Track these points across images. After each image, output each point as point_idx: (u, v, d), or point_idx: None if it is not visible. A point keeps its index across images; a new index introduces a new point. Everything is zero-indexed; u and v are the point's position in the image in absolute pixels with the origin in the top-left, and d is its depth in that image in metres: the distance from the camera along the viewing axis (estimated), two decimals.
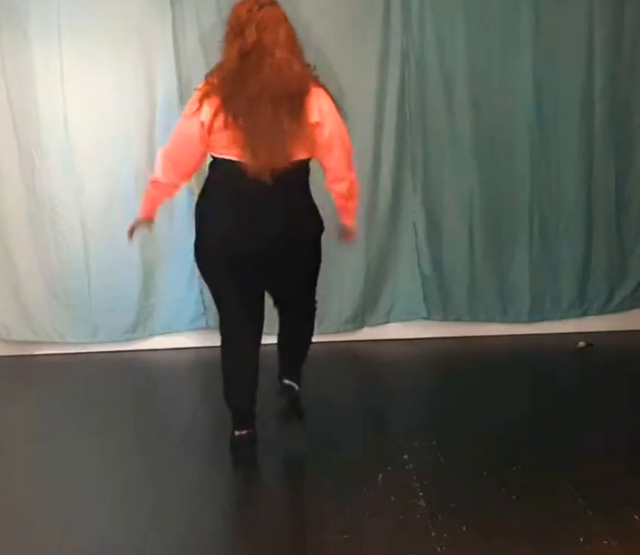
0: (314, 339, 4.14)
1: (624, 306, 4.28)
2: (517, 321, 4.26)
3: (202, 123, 2.65)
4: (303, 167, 2.72)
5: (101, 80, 3.90)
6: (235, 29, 2.62)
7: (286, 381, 3.14)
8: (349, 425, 3.27)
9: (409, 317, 4.23)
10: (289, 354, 3.17)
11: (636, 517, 2.45)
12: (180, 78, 3.91)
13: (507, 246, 4.17)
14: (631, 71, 4.00)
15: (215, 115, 2.62)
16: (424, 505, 2.57)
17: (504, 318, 4.26)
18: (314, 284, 3.04)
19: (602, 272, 4.22)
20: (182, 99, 3.93)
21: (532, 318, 4.26)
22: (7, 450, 3.20)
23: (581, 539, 2.34)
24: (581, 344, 4.09)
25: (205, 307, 4.19)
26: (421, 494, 2.64)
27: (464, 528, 2.42)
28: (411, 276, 4.19)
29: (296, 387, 3.15)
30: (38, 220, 4.05)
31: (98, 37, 3.84)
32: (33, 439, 3.27)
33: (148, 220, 3.01)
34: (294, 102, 2.59)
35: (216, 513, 2.60)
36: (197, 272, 4.08)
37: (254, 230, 2.73)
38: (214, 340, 4.17)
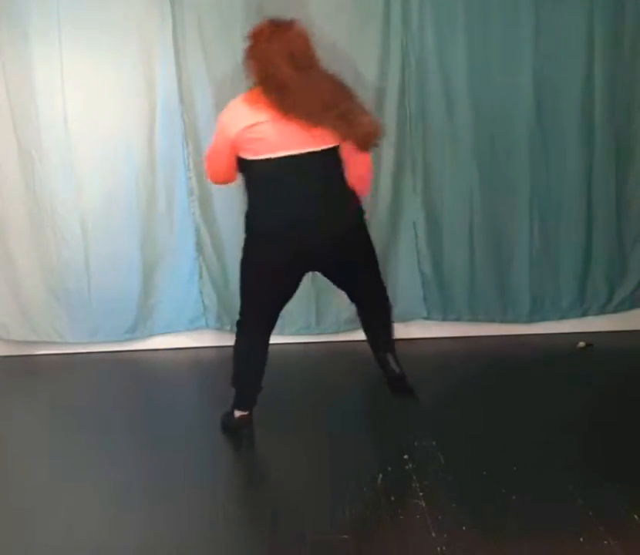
0: (318, 339, 4.19)
1: (624, 306, 4.27)
2: (516, 321, 4.26)
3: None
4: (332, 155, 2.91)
5: (101, 80, 3.89)
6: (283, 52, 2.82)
7: (389, 369, 3.24)
8: (349, 425, 3.27)
9: (409, 317, 4.23)
10: (380, 340, 3.25)
11: (636, 517, 2.45)
12: (180, 78, 3.91)
13: (507, 246, 4.16)
14: (631, 71, 4.00)
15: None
16: (424, 505, 2.57)
17: (504, 318, 4.26)
18: (378, 269, 3.19)
19: (602, 272, 4.22)
20: (182, 99, 3.94)
21: (532, 318, 4.25)
22: (6, 450, 3.20)
23: (581, 539, 2.34)
24: (581, 344, 4.09)
25: (205, 307, 4.19)
26: (421, 494, 2.64)
27: (464, 528, 2.42)
28: (411, 276, 4.19)
29: (397, 370, 3.24)
30: (38, 220, 4.04)
31: (98, 37, 3.83)
32: (33, 439, 3.27)
33: None
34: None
35: (216, 513, 2.60)
36: (197, 272, 4.14)
37: (301, 218, 2.90)
38: (214, 340, 4.22)
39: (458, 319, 4.26)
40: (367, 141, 2.87)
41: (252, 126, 2.81)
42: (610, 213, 4.15)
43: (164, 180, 4.03)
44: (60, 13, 3.79)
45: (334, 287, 3.32)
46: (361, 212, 3.07)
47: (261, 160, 2.86)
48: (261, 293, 3.07)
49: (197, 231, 4.09)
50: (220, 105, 3.89)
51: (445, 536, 2.38)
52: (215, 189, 4.00)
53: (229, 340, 4.16)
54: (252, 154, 2.87)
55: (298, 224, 2.89)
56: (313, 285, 3.98)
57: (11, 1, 3.79)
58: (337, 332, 4.16)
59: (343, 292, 3.61)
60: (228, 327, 4.19)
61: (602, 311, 4.27)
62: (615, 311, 4.28)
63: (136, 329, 4.21)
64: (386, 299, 3.26)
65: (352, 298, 3.26)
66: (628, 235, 4.20)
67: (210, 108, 3.92)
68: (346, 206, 2.99)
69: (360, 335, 4.15)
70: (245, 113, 2.85)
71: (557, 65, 3.94)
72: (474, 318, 4.25)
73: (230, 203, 4.03)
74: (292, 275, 3.06)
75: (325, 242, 2.92)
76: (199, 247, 4.12)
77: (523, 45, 3.91)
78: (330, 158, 2.90)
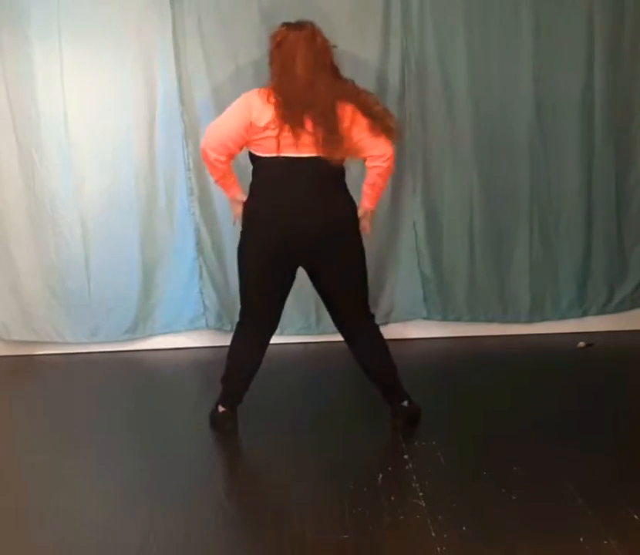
0: (318, 339, 4.19)
1: (624, 306, 4.28)
2: (517, 321, 4.26)
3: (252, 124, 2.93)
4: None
5: (101, 80, 3.90)
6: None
7: (397, 406, 3.19)
8: (349, 425, 3.27)
9: (409, 317, 4.23)
10: (380, 375, 3.17)
11: (636, 517, 2.45)
12: (180, 78, 3.91)
13: (507, 246, 4.17)
14: (631, 71, 4.00)
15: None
16: (424, 505, 2.57)
17: (504, 318, 4.26)
18: (365, 281, 3.11)
19: (602, 272, 4.22)
20: (182, 99, 3.93)
21: (532, 318, 4.25)
22: (6, 450, 3.20)
23: (581, 539, 2.34)
24: (581, 344, 4.09)
25: (205, 307, 4.19)
26: (421, 494, 2.64)
27: (464, 528, 2.42)
28: (411, 276, 4.19)
29: (407, 404, 3.18)
30: (38, 219, 4.04)
31: (98, 37, 3.83)
32: (32, 439, 3.27)
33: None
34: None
35: (216, 513, 2.60)
36: (197, 272, 4.13)
37: (296, 216, 2.94)
38: (214, 340, 4.22)
39: (458, 319, 4.26)
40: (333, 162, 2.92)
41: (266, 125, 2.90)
42: (610, 213, 4.16)
43: (164, 180, 4.03)
44: (60, 13, 3.79)
45: None
46: (353, 215, 3.04)
47: (262, 157, 2.96)
48: (255, 284, 3.08)
49: (197, 231, 4.09)
50: (220, 106, 3.90)
51: (445, 536, 2.38)
52: (215, 189, 3.99)
53: (229, 340, 4.18)
54: (256, 150, 2.97)
55: (285, 210, 2.93)
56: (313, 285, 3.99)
57: (11, 2, 3.79)
58: (337, 332, 4.14)
59: None
60: (228, 328, 4.19)
61: (602, 311, 4.27)
62: (615, 311, 4.28)
63: (136, 329, 4.21)
64: (373, 324, 3.15)
65: (332, 311, 3.18)
66: (628, 235, 4.20)
67: (210, 108, 3.92)
68: (336, 202, 3.00)
69: None
70: (263, 110, 2.92)
71: (557, 65, 3.95)
72: (474, 318, 4.26)
73: None
74: (281, 265, 3.03)
75: (310, 230, 2.93)
76: (199, 247, 4.12)
77: (523, 45, 3.92)
78: (326, 164, 2.93)
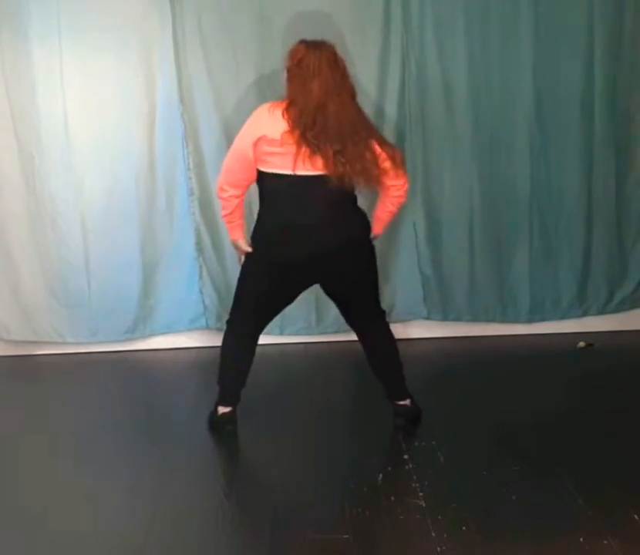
0: (318, 339, 4.19)
1: (624, 306, 4.28)
2: (517, 321, 4.26)
3: None
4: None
5: (101, 80, 3.89)
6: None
7: (400, 403, 3.20)
8: (349, 425, 3.27)
9: (409, 317, 4.23)
10: (386, 371, 3.20)
11: (636, 517, 2.45)
12: (180, 78, 3.90)
13: (507, 246, 4.17)
14: (631, 71, 4.00)
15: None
16: (424, 505, 2.57)
17: (504, 318, 4.27)
18: (376, 286, 3.16)
19: (602, 272, 4.22)
20: (182, 99, 3.93)
21: (532, 318, 4.26)
22: (6, 450, 3.20)
23: (581, 539, 2.34)
24: (581, 344, 4.09)
25: (205, 307, 4.19)
26: (421, 494, 2.64)
27: (464, 528, 2.42)
28: (411, 276, 4.19)
29: (409, 403, 3.20)
30: (38, 219, 4.04)
31: (98, 37, 3.83)
32: (32, 439, 3.27)
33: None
34: None
35: (216, 513, 2.60)
36: (197, 272, 4.14)
37: (311, 237, 2.94)
38: (214, 340, 4.21)
39: (458, 319, 4.26)
40: (341, 182, 2.87)
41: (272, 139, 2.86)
42: (610, 212, 4.16)
43: (164, 180, 4.03)
44: (60, 13, 3.79)
45: None
46: (366, 233, 3.07)
47: (272, 174, 2.92)
48: (254, 299, 3.10)
49: (197, 231, 4.09)
50: (220, 106, 3.92)
51: (445, 536, 2.39)
52: (215, 189, 4.00)
53: None
54: (266, 167, 2.93)
55: (294, 231, 2.92)
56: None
57: (11, 2, 3.79)
58: (337, 332, 4.16)
59: None
60: None
61: (602, 311, 4.27)
62: (615, 311, 4.28)
63: (136, 329, 4.21)
64: (384, 322, 3.19)
65: (348, 318, 3.21)
66: (628, 235, 4.20)
67: (210, 108, 3.92)
68: (349, 222, 3.00)
69: None
70: (271, 124, 2.88)
71: (557, 65, 3.95)
72: (474, 318, 4.26)
73: None
74: (285, 286, 3.06)
75: (322, 252, 2.93)
76: (199, 247, 4.12)
77: (523, 45, 3.91)
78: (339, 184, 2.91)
